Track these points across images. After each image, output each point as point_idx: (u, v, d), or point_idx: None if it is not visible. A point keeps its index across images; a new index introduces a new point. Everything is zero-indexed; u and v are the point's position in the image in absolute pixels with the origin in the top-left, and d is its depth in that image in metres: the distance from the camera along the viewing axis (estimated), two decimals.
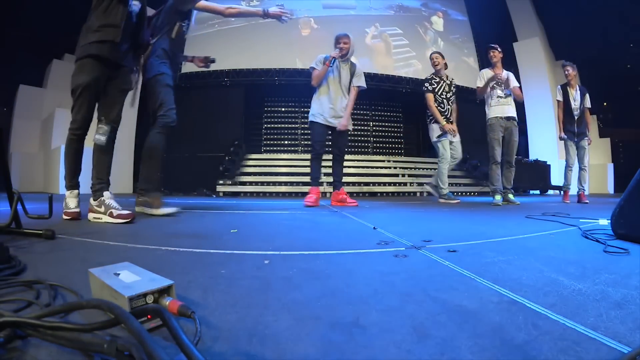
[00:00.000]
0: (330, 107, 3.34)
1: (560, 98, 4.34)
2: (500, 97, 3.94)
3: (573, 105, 4.29)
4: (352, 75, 3.44)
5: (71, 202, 1.97)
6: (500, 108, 3.92)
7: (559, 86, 4.43)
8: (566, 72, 4.31)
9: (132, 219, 1.85)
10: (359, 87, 3.45)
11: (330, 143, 3.57)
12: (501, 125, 3.90)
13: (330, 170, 3.66)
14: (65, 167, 2.03)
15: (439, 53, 4.28)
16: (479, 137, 8.86)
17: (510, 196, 3.93)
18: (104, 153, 2.07)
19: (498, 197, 3.88)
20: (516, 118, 3.97)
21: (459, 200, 4.15)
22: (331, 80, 3.37)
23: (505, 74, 4.00)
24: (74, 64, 1.97)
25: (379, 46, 9.04)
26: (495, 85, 3.97)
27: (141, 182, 2.30)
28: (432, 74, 4.26)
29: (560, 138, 4.37)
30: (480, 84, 4.03)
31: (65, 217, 1.95)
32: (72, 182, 2.03)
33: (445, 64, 4.22)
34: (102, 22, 1.93)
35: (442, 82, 4.17)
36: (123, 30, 1.95)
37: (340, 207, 3.13)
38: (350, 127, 3.47)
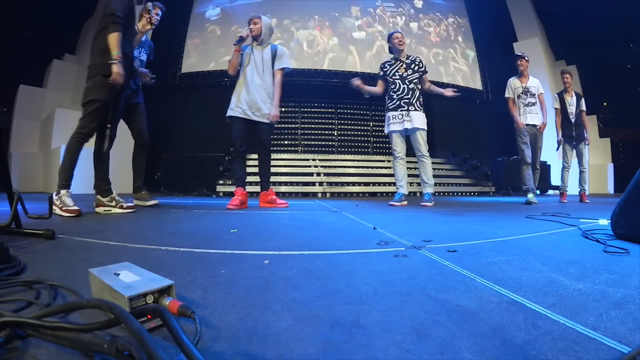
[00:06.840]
0: (248, 98, 2.95)
1: (557, 105, 4.55)
2: (527, 105, 4.10)
3: (569, 110, 4.51)
4: (273, 59, 3.04)
5: (70, 200, 2.15)
6: (525, 116, 4.10)
7: (556, 94, 4.65)
8: (565, 79, 4.51)
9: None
10: (282, 70, 3.06)
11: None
12: (528, 131, 4.08)
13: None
14: (71, 168, 2.26)
15: (399, 32, 3.60)
16: (479, 138, 8.91)
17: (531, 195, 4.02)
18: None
19: (531, 196, 3.89)
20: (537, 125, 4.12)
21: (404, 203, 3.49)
22: (247, 68, 2.98)
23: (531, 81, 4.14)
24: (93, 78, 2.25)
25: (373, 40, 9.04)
26: (521, 94, 4.12)
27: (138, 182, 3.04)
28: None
29: (558, 142, 4.57)
30: (508, 94, 4.18)
31: (66, 214, 2.06)
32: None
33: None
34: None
35: (398, 62, 3.51)
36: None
37: (276, 208, 2.98)
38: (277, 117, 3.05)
